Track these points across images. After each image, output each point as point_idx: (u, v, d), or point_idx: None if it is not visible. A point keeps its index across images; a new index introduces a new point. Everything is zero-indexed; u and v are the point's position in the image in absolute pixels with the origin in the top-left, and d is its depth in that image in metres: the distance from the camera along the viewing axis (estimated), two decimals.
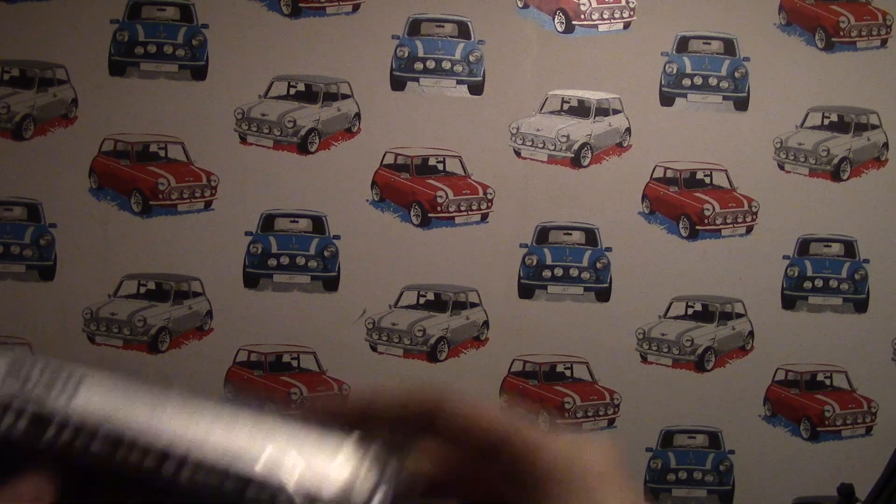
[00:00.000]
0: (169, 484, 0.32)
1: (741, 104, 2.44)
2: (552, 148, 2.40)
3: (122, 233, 2.32)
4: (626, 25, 2.42)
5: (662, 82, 2.42)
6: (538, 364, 2.40)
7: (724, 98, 2.44)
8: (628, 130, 2.41)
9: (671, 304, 2.43)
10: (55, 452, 0.32)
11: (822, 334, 2.46)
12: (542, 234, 2.40)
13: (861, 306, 2.47)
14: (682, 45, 2.43)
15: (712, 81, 2.44)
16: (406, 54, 2.38)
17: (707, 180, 2.44)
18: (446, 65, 2.39)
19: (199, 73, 2.34)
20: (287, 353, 2.35)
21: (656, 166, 2.42)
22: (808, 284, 2.45)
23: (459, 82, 2.39)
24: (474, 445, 0.35)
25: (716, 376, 2.44)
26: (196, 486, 0.32)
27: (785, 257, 2.45)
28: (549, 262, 2.40)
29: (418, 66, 2.38)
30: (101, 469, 0.32)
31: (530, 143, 2.39)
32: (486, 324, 2.39)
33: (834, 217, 2.46)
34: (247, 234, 2.35)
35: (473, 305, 2.39)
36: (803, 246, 2.45)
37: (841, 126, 2.46)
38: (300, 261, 2.37)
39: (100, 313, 2.32)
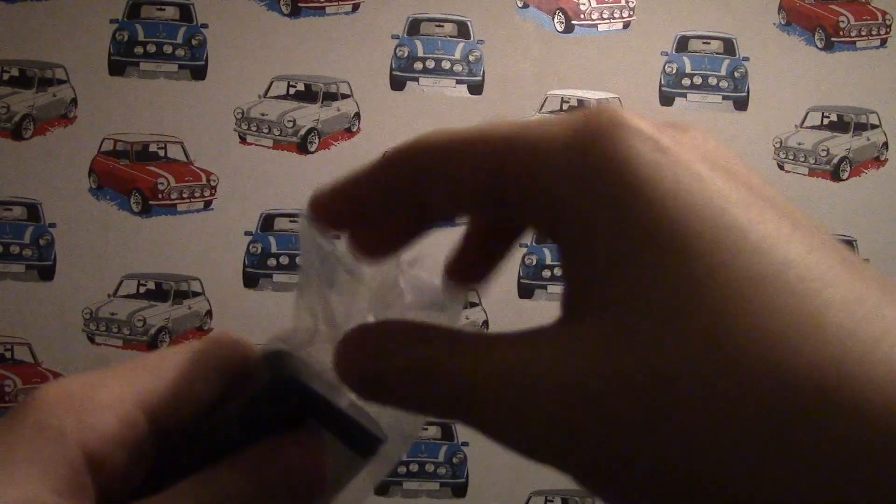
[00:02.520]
0: None
1: (741, 104, 2.44)
2: None
3: (121, 233, 2.32)
4: (626, 25, 2.42)
5: (662, 82, 2.42)
6: None
7: (724, 98, 2.44)
8: None
9: None
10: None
11: None
12: None
13: None
14: (682, 44, 2.44)
15: (712, 81, 2.44)
16: (406, 54, 2.38)
17: None
18: (446, 64, 2.39)
19: (199, 73, 2.34)
20: None
21: None
22: None
23: (459, 82, 2.39)
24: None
25: None
26: None
27: None
28: (548, 261, 2.40)
29: (418, 65, 2.38)
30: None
31: None
32: (485, 323, 2.39)
33: (833, 217, 2.46)
34: (246, 233, 2.35)
35: (473, 305, 2.40)
36: None
37: (840, 126, 2.46)
38: (300, 261, 2.36)
39: (99, 313, 2.32)
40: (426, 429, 2.36)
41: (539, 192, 0.25)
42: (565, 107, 2.42)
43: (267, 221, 2.36)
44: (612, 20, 2.42)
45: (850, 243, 2.47)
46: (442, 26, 2.40)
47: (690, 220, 0.21)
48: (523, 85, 2.40)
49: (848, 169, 2.47)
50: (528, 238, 2.49)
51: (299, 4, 2.36)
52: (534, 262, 2.40)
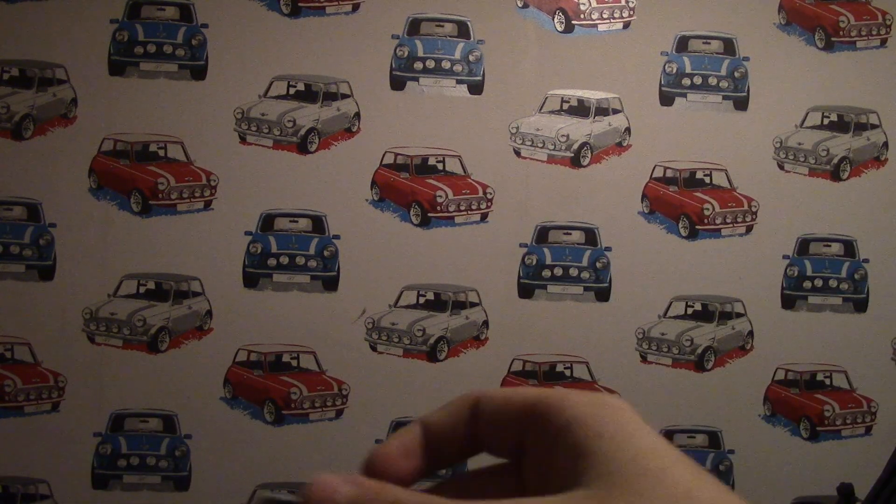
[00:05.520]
0: None
1: (741, 104, 2.44)
2: (552, 148, 2.40)
3: (121, 232, 2.32)
4: (626, 25, 2.42)
5: (662, 82, 2.42)
6: (538, 364, 2.40)
7: (724, 98, 2.44)
8: (628, 130, 2.41)
9: (671, 303, 2.43)
10: None
11: (822, 334, 2.46)
12: (542, 234, 2.40)
13: (860, 306, 2.47)
14: (682, 44, 2.43)
15: (712, 81, 2.44)
16: (406, 54, 2.38)
17: (707, 180, 2.44)
18: (446, 64, 2.39)
19: (199, 73, 2.34)
20: (287, 352, 2.36)
21: (656, 166, 2.42)
22: (807, 284, 2.45)
23: (459, 82, 2.39)
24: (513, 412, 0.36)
25: (716, 376, 2.44)
26: None
27: (785, 257, 2.45)
28: (548, 261, 2.40)
29: (418, 65, 2.38)
30: None
31: (530, 143, 2.39)
32: (485, 323, 2.39)
33: (833, 217, 2.46)
34: (246, 233, 2.35)
35: (473, 305, 2.39)
36: (803, 245, 2.45)
37: (840, 126, 2.46)
38: (300, 260, 2.37)
39: (99, 313, 2.32)
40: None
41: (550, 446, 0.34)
42: (565, 106, 2.42)
43: (267, 221, 2.36)
44: (612, 20, 2.42)
45: (850, 243, 2.47)
46: (442, 26, 2.40)
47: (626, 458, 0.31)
48: (523, 85, 2.40)
49: (848, 169, 2.47)
50: (529, 238, 2.50)
51: (299, 4, 2.36)
52: (534, 262, 2.40)
